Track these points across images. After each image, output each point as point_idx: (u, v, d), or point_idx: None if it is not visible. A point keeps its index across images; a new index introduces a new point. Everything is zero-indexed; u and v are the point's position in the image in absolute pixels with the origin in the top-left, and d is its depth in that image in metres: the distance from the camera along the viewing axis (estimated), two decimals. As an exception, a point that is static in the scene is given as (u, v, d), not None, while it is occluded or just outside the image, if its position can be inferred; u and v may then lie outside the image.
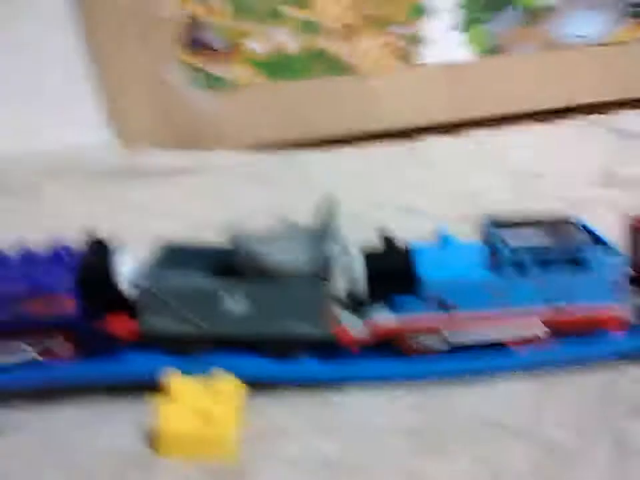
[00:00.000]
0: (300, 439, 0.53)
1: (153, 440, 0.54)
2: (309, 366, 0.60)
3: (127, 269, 0.58)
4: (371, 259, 0.58)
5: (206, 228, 1.08)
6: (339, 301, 0.60)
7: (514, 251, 0.54)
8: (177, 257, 0.64)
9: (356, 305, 0.60)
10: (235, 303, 0.57)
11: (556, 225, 0.59)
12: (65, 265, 0.57)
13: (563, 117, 1.60)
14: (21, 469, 0.53)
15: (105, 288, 0.57)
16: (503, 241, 0.56)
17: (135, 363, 0.59)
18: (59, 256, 0.58)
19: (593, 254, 0.54)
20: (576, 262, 0.54)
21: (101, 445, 0.54)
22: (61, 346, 0.58)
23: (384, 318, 0.57)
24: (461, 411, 0.56)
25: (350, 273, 0.59)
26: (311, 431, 0.54)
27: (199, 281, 0.59)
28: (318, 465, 0.51)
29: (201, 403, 0.54)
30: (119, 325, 0.58)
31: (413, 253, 0.58)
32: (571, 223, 0.59)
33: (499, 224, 0.59)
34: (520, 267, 0.54)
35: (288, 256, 0.56)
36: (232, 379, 0.56)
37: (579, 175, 1.17)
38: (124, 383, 0.59)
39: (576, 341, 0.58)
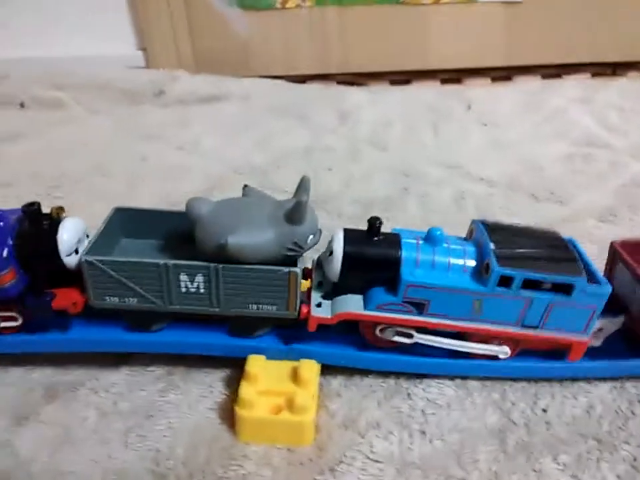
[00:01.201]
0: (388, 435, 0.51)
1: (231, 422, 0.51)
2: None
3: (69, 238, 0.52)
4: (356, 244, 0.53)
5: (237, 168, 1.01)
6: (310, 279, 0.56)
7: (503, 265, 0.50)
8: (128, 222, 0.59)
9: (329, 286, 0.55)
10: (193, 284, 0.52)
11: (548, 241, 0.54)
12: (2, 234, 0.51)
13: (620, 73, 1.51)
14: (90, 435, 0.50)
15: (46, 259, 0.52)
16: (493, 250, 0.51)
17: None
18: None
19: (581, 284, 0.50)
20: (561, 288, 0.51)
21: (179, 423, 0.52)
22: (8, 320, 0.54)
23: (355, 307, 0.53)
24: (544, 414, 0.54)
25: (328, 256, 0.53)
26: (398, 427, 0.52)
27: (153, 258, 0.53)
28: (407, 464, 0.48)
29: (281, 387, 0.52)
30: (65, 299, 0.53)
31: (398, 244, 0.53)
32: (565, 243, 0.55)
33: (492, 229, 0.54)
34: (506, 283, 0.51)
35: (252, 239, 0.50)
36: (311, 363, 0.54)
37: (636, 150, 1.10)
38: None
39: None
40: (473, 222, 0.57)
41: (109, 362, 0.58)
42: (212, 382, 0.56)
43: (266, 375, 0.52)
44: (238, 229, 0.50)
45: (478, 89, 1.43)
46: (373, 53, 1.48)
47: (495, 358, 0.56)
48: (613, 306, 0.55)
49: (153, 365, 0.58)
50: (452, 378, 0.57)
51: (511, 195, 0.93)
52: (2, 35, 1.33)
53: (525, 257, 0.52)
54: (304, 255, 0.54)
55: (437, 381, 0.57)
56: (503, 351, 0.55)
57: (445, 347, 0.55)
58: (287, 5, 1.40)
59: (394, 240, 0.53)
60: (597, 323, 0.55)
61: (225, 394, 0.55)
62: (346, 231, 0.54)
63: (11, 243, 0.51)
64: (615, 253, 0.59)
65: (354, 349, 0.56)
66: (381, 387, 0.57)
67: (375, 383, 0.57)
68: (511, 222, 0.58)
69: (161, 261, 0.51)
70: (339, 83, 1.50)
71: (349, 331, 0.56)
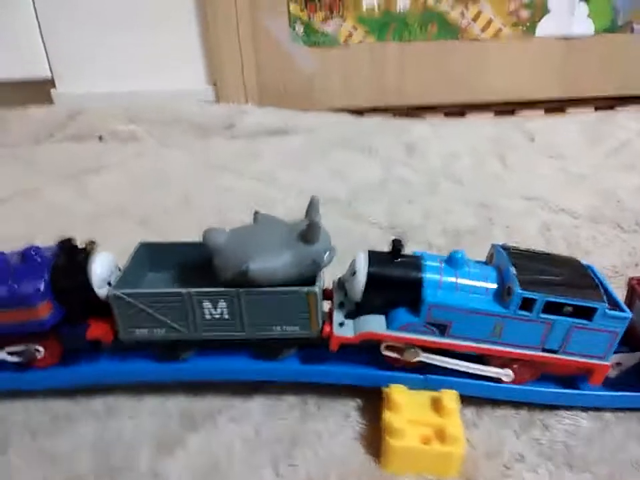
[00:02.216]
0: (535, 467, 0.51)
1: (374, 452, 0.52)
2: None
3: (102, 271, 0.54)
4: (379, 265, 0.54)
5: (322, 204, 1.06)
6: (331, 300, 0.58)
7: (525, 289, 0.51)
8: (154, 256, 0.61)
9: (351, 306, 0.57)
10: (217, 310, 0.53)
11: (569, 267, 0.55)
12: (38, 268, 0.53)
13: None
14: (239, 464, 0.51)
15: (80, 291, 0.53)
16: (515, 275, 0.52)
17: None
18: (30, 259, 0.54)
19: (603, 309, 0.51)
20: (582, 312, 0.51)
21: (325, 452, 0.53)
22: (43, 351, 0.56)
23: (378, 327, 0.54)
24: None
25: (351, 276, 0.54)
26: (543, 459, 0.52)
27: (175, 287, 0.55)
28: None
29: (427, 417, 0.52)
30: (99, 329, 0.55)
31: (421, 266, 0.54)
32: (585, 269, 0.55)
33: (513, 254, 0.55)
34: (527, 306, 0.51)
35: (271, 263, 0.51)
36: (453, 393, 0.54)
37: None
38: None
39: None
40: (493, 246, 0.58)
41: (241, 390, 0.59)
42: (347, 411, 0.57)
43: (409, 405, 0.53)
44: (256, 254, 0.51)
45: (537, 120, 1.45)
46: (430, 85, 1.51)
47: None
48: (631, 341, 0.56)
49: (286, 394, 0.59)
50: (584, 409, 0.57)
51: (596, 226, 0.94)
52: (78, 71, 1.39)
53: (546, 281, 0.52)
54: (323, 275, 0.56)
55: (569, 412, 0.57)
56: (506, 374, 0.55)
57: (448, 366, 0.55)
58: (350, 42, 1.44)
59: (416, 262, 0.55)
60: (616, 358, 0.56)
61: (363, 423, 0.56)
62: (370, 252, 0.55)
63: (47, 277, 0.53)
64: (633, 290, 0.59)
65: (490, 381, 0.57)
66: (515, 417, 0.57)
67: (508, 413, 0.57)
68: (532, 248, 0.59)
69: (184, 290, 0.53)
70: (394, 115, 1.53)
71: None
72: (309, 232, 0.52)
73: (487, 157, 1.22)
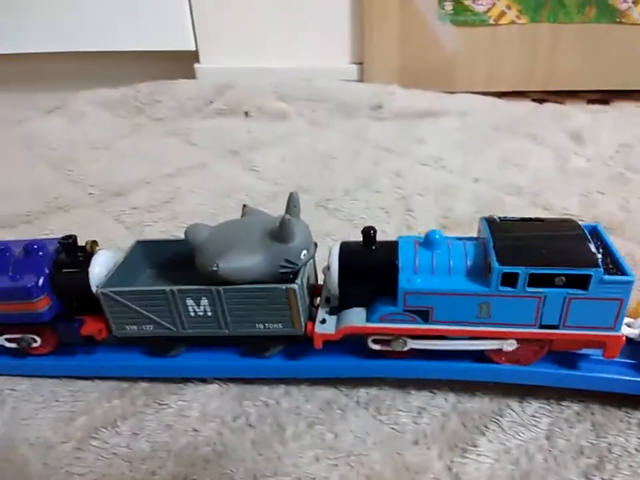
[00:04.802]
0: None
1: None
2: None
3: (100, 271, 0.55)
4: (351, 256, 0.51)
5: (502, 188, 0.96)
6: (312, 296, 0.56)
7: (504, 263, 0.46)
8: (151, 254, 0.60)
9: (336, 301, 0.54)
10: (200, 307, 0.53)
11: (561, 232, 0.49)
12: (39, 263, 0.55)
13: None
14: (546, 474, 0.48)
15: (78, 289, 0.55)
16: (495, 249, 0.47)
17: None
18: (33, 253, 0.56)
19: (597, 275, 0.45)
20: (576, 281, 0.46)
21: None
22: (39, 340, 0.58)
23: (357, 321, 0.51)
24: None
25: (327, 271, 0.52)
26: None
27: (161, 285, 0.55)
28: None
29: None
30: (93, 326, 0.56)
31: (396, 252, 0.51)
32: (580, 232, 0.49)
33: (497, 225, 0.50)
34: (510, 282, 0.46)
35: (240, 263, 0.50)
36: None
37: None
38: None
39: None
40: (480, 220, 0.53)
41: (513, 392, 0.55)
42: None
43: None
44: (228, 253, 0.50)
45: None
46: (577, 70, 1.42)
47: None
48: None
49: (565, 401, 0.54)
50: None
51: None
52: (222, 45, 1.37)
53: (532, 251, 0.46)
54: (311, 271, 0.55)
55: None
56: (508, 343, 0.51)
57: (442, 348, 0.52)
58: (500, 21, 1.37)
59: (390, 247, 0.51)
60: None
61: None
62: (342, 244, 0.52)
63: (47, 272, 0.55)
64: None
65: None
66: None
67: None
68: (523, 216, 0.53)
69: (167, 287, 0.52)
70: (533, 100, 1.45)
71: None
72: (281, 230, 0.50)
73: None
